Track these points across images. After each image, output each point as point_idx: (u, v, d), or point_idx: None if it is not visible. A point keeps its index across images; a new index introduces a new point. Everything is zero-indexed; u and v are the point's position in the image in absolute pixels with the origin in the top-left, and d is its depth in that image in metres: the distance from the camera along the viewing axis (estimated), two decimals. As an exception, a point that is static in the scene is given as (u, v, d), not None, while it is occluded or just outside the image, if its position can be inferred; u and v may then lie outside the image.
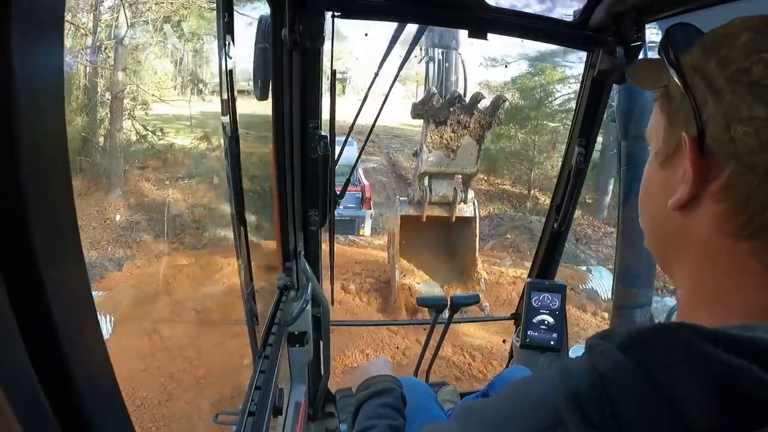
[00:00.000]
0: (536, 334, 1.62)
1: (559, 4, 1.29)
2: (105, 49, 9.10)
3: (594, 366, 0.30)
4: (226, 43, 0.89)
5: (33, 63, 0.26)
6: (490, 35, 1.26)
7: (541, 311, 1.62)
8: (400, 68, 1.42)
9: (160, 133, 10.67)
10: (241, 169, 1.01)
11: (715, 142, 0.35)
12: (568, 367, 0.31)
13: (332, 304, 1.56)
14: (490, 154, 11.16)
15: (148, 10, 9.60)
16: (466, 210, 5.57)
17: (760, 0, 0.89)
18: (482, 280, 5.85)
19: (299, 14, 1.05)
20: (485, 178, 11.91)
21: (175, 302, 5.69)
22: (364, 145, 1.63)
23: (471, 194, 5.54)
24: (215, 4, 0.91)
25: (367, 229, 9.43)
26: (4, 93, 0.25)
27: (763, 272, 0.34)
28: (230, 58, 0.90)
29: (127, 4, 8.64)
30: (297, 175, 1.33)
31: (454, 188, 5.39)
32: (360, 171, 8.94)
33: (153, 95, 11.00)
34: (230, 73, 0.92)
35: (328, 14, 1.11)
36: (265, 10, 1.15)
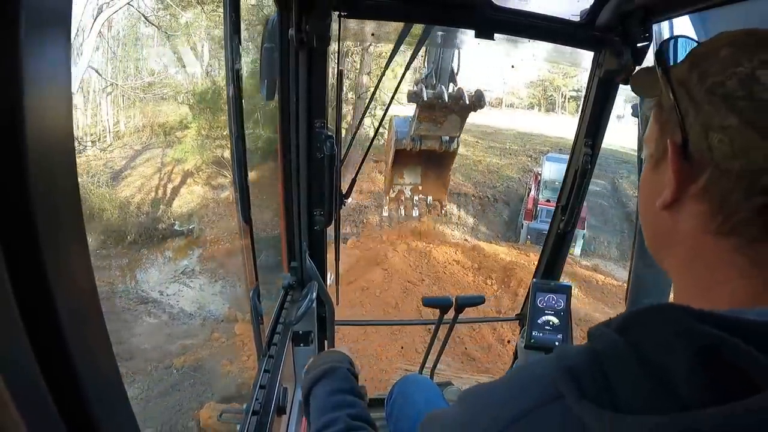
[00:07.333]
0: (541, 334, 1.62)
1: (567, 4, 1.27)
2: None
3: (591, 347, 0.32)
4: (233, 42, 0.89)
5: (41, 62, 0.26)
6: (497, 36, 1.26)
7: (546, 312, 1.62)
8: (407, 68, 1.42)
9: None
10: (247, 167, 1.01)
11: (697, 149, 0.38)
12: (566, 349, 0.34)
13: (337, 303, 1.56)
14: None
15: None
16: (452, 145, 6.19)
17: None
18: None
19: (306, 14, 1.05)
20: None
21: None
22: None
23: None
24: (222, 4, 0.91)
25: (577, 248, 9.48)
26: (12, 91, 0.25)
27: (747, 265, 0.37)
28: (237, 57, 0.91)
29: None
30: (303, 174, 1.33)
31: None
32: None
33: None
34: (237, 73, 0.92)
35: (335, 14, 1.11)
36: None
